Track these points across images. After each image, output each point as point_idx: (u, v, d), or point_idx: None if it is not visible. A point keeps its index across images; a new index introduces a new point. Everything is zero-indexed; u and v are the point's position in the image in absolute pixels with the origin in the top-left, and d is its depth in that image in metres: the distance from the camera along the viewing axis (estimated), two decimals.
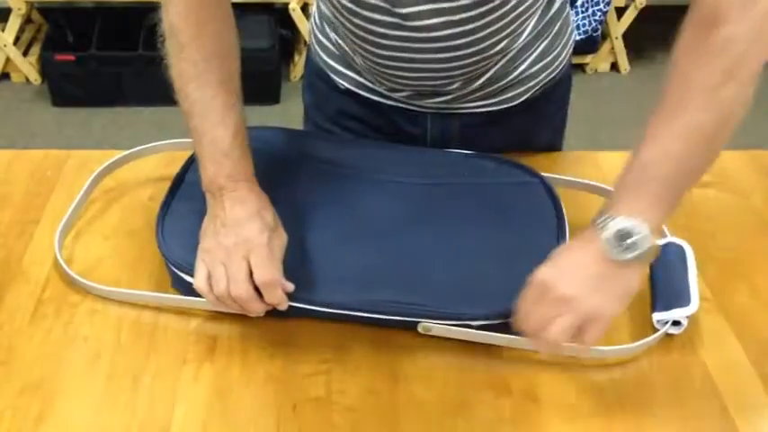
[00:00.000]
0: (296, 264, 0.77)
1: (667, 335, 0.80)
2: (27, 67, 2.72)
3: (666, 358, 0.78)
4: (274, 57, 2.59)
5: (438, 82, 0.93)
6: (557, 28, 0.96)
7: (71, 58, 2.55)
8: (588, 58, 2.87)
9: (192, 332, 0.79)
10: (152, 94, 2.56)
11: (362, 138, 1.04)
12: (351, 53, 0.97)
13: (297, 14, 2.58)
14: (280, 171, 0.89)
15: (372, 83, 1.00)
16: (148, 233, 0.83)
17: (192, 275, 0.76)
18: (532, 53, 0.95)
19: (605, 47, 2.85)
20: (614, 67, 2.94)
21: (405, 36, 0.85)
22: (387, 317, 0.77)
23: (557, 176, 0.95)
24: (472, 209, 0.88)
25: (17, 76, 2.76)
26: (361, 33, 0.88)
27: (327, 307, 0.76)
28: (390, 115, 1.02)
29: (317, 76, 1.06)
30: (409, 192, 0.89)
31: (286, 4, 2.57)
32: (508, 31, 0.87)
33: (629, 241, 0.66)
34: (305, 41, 2.67)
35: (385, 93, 1.00)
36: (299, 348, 0.78)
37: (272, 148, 0.92)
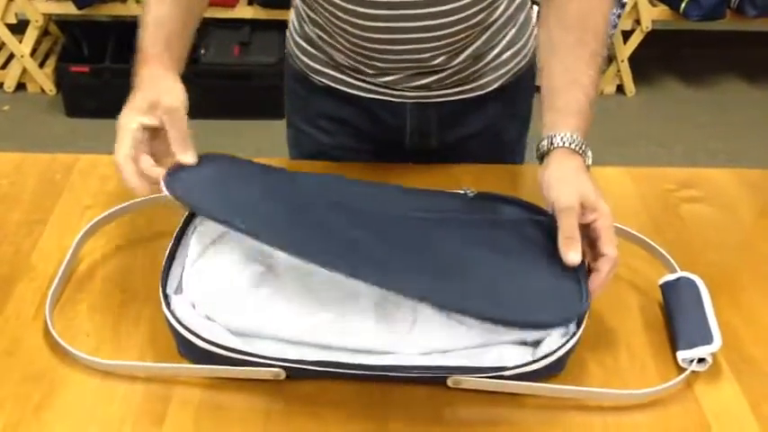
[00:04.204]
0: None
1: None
2: (42, 78, 2.78)
3: None
4: (281, 72, 2.62)
5: (424, 55, 0.98)
6: (522, 17, 1.07)
7: (86, 69, 2.61)
8: None
9: None
10: None
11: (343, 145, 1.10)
12: (334, 43, 1.02)
13: None
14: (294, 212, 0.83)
15: (353, 77, 1.04)
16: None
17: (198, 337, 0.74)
18: (503, 38, 1.05)
19: (611, 69, 2.88)
20: (620, 89, 2.97)
21: (389, 13, 0.92)
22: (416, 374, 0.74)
23: None
24: (485, 235, 0.85)
25: (33, 87, 2.82)
26: (345, 16, 0.94)
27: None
28: (371, 109, 1.06)
29: (295, 81, 1.13)
30: (421, 223, 0.84)
31: None
32: (486, 3, 0.96)
33: (588, 152, 0.86)
34: None
35: (366, 85, 1.04)
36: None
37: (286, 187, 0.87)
